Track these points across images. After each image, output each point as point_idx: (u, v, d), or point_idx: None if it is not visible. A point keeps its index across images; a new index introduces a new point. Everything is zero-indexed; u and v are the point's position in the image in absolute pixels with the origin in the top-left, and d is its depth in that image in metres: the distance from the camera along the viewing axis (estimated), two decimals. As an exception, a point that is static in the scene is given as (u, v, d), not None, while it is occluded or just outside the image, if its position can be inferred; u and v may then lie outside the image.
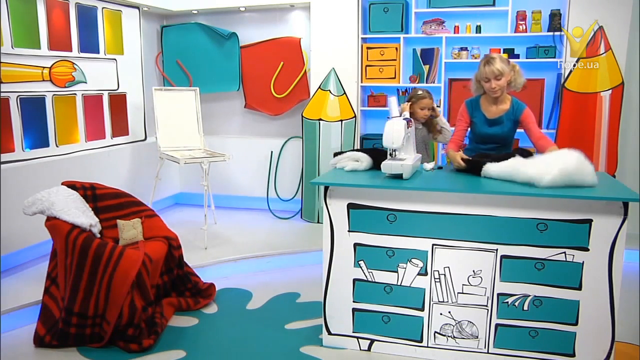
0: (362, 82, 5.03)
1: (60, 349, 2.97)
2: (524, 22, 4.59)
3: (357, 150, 3.34)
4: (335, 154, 3.26)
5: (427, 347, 2.87)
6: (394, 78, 4.95)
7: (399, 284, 2.84)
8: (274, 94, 5.53)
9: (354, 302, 2.92)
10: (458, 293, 2.77)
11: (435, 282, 2.79)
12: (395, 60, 4.90)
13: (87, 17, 4.65)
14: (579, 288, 2.60)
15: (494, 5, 4.61)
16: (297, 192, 5.51)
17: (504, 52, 4.62)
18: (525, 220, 2.61)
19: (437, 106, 4.02)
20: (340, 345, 2.99)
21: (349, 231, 2.86)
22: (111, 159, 4.90)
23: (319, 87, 5.07)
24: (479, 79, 3.20)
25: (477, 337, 2.79)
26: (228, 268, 4.14)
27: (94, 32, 4.74)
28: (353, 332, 2.96)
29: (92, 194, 3.45)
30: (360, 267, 2.88)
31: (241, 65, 5.61)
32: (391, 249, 2.81)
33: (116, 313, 2.92)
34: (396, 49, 4.88)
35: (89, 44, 4.69)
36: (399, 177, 2.84)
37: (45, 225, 3.08)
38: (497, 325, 2.75)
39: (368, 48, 4.95)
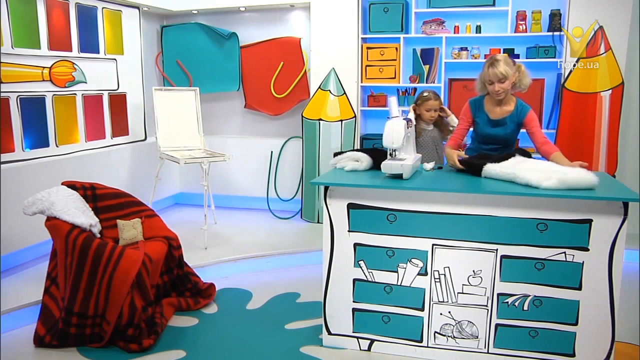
0: (362, 82, 5.03)
1: (60, 349, 2.97)
2: (524, 22, 4.59)
3: (357, 150, 3.34)
4: (335, 154, 3.26)
5: (427, 347, 2.87)
6: (394, 78, 4.95)
7: (399, 284, 2.84)
8: (274, 94, 5.53)
9: (354, 302, 2.92)
10: (458, 293, 2.77)
11: (435, 282, 2.79)
12: (395, 60, 4.90)
13: (87, 17, 4.65)
14: (579, 288, 2.60)
15: (494, 5, 4.61)
16: (297, 192, 5.51)
17: (503, 52, 4.62)
18: (525, 220, 2.61)
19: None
20: (340, 345, 2.99)
21: (349, 231, 2.86)
22: (111, 159, 4.90)
23: (319, 87, 5.07)
24: (483, 80, 3.18)
25: (477, 337, 2.79)
26: (228, 268, 4.14)
27: (94, 32, 4.74)
28: (353, 332, 2.96)
29: (92, 194, 3.45)
30: (360, 267, 2.88)
31: (241, 65, 5.61)
32: (391, 249, 2.81)
33: (116, 313, 2.92)
34: (396, 49, 4.88)
35: (89, 44, 4.69)
36: (399, 177, 2.84)
37: (45, 225, 3.08)
38: (497, 325, 2.75)
39: (368, 48, 4.95)
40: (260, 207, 5.65)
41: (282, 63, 5.45)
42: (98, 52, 4.80)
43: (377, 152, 3.14)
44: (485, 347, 2.79)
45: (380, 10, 4.84)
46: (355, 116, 5.01)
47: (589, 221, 2.53)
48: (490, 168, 2.85)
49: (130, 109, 5.23)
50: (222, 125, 5.88)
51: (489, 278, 2.72)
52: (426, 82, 4.89)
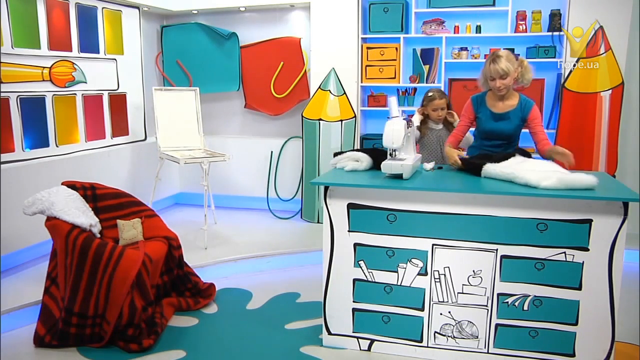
0: (362, 82, 5.03)
1: (60, 349, 2.97)
2: (524, 22, 4.59)
3: (357, 150, 3.33)
4: (335, 154, 3.26)
5: (427, 347, 2.87)
6: (394, 78, 4.95)
7: (399, 284, 2.84)
8: (274, 94, 5.53)
9: (354, 302, 2.92)
10: (458, 293, 2.77)
11: (435, 282, 2.79)
12: (395, 60, 4.90)
13: (87, 17, 4.65)
14: (579, 288, 2.60)
15: (494, 5, 4.61)
16: (297, 192, 5.51)
17: (504, 52, 4.62)
18: (525, 220, 2.61)
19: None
20: (340, 345, 2.99)
21: (349, 231, 2.86)
22: (111, 159, 4.90)
23: (319, 87, 5.07)
24: (485, 75, 3.19)
25: (477, 337, 2.79)
26: (228, 268, 4.14)
27: (94, 32, 4.74)
28: (353, 332, 2.96)
29: (92, 194, 3.45)
30: (360, 267, 2.88)
31: (241, 65, 5.61)
32: (391, 249, 2.81)
33: (116, 313, 2.92)
34: (396, 49, 4.88)
35: (89, 44, 4.69)
36: (399, 177, 2.84)
37: (45, 225, 3.08)
38: (497, 325, 2.75)
39: (368, 48, 4.95)
40: (260, 207, 5.65)
41: (282, 63, 5.45)
42: (98, 52, 4.80)
43: (377, 152, 3.14)
44: (485, 347, 2.79)
45: (380, 10, 4.84)
46: (355, 116, 5.01)
47: (589, 221, 2.53)
48: (490, 168, 2.85)
49: (130, 109, 5.23)
50: (222, 125, 5.88)
51: (489, 278, 2.72)
52: (426, 82, 4.89)
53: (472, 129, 3.42)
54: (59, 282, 3.06)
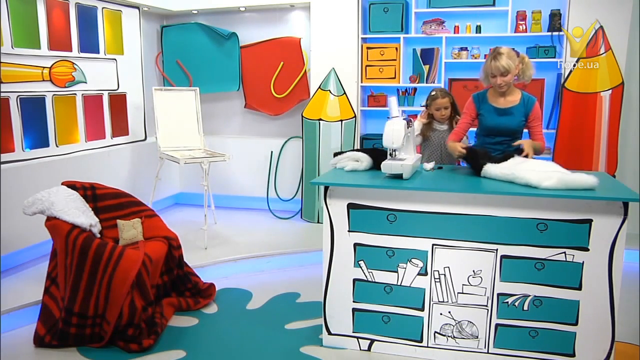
0: (362, 82, 5.03)
1: (60, 349, 2.97)
2: (524, 22, 4.59)
3: (357, 150, 3.33)
4: (335, 154, 3.26)
5: (427, 347, 2.87)
6: (394, 78, 4.95)
7: (399, 284, 2.84)
8: (274, 94, 5.53)
9: (354, 302, 2.92)
10: (458, 293, 2.77)
11: (435, 282, 2.79)
12: (395, 60, 4.90)
13: (87, 17, 4.65)
14: (579, 288, 2.60)
15: (494, 5, 4.61)
16: (297, 192, 5.51)
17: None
18: (525, 220, 2.61)
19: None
20: (340, 345, 2.99)
21: (349, 231, 2.86)
22: (111, 159, 4.90)
23: (319, 87, 5.07)
24: (486, 72, 3.20)
25: (477, 337, 2.79)
26: (228, 268, 4.14)
27: (94, 32, 4.74)
28: (353, 332, 2.96)
29: (92, 194, 3.45)
30: (360, 267, 2.88)
31: (241, 65, 5.61)
32: (391, 249, 2.81)
33: (116, 313, 2.92)
34: (396, 49, 4.88)
35: (89, 44, 4.69)
36: (399, 177, 2.84)
37: (45, 225, 3.08)
38: (497, 325, 2.75)
39: (368, 48, 4.95)
40: (260, 207, 5.65)
41: (282, 63, 5.45)
42: (98, 52, 4.80)
43: (377, 152, 3.14)
44: (485, 347, 2.79)
45: (380, 10, 4.84)
46: (355, 116, 5.01)
47: (589, 221, 2.53)
48: (490, 169, 2.85)
49: (130, 109, 5.23)
50: (222, 125, 5.88)
51: (489, 278, 2.72)
52: (426, 82, 4.89)
53: (473, 129, 3.42)
54: (59, 282, 3.06)
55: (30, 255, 4.12)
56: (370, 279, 2.88)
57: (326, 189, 2.86)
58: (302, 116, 5.18)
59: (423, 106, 3.87)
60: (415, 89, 4.99)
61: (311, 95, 5.14)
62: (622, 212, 2.49)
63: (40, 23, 4.17)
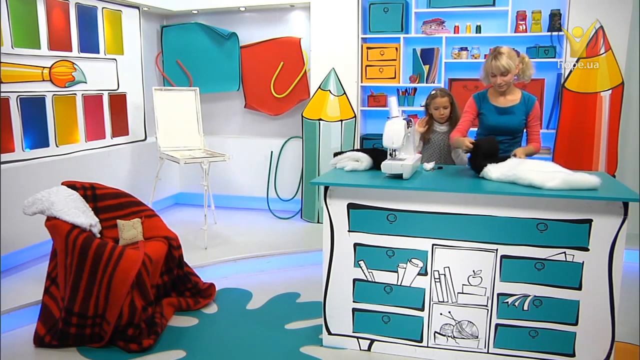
0: (362, 82, 5.03)
1: (60, 349, 2.97)
2: (524, 22, 4.59)
3: (357, 150, 3.34)
4: (335, 154, 3.26)
5: (427, 347, 2.87)
6: (394, 78, 4.95)
7: (399, 284, 2.84)
8: (274, 94, 5.53)
9: (354, 302, 2.92)
10: (458, 293, 2.77)
11: (435, 282, 2.79)
12: (395, 60, 4.90)
13: (87, 17, 4.65)
14: (579, 288, 2.60)
15: (494, 5, 4.61)
16: (297, 192, 5.51)
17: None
18: (525, 220, 2.61)
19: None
20: (340, 345, 2.99)
21: (349, 231, 2.86)
22: (111, 159, 4.90)
23: (319, 87, 5.07)
24: (486, 71, 3.21)
25: (477, 337, 2.79)
26: (228, 268, 4.14)
27: (94, 32, 4.74)
28: (353, 332, 2.96)
29: (92, 194, 3.45)
30: (360, 267, 2.88)
31: (241, 65, 5.61)
32: (391, 249, 2.81)
33: (116, 313, 2.92)
34: (396, 49, 4.88)
35: (89, 44, 4.69)
36: (399, 177, 2.84)
37: (45, 225, 3.08)
38: (497, 325, 2.75)
39: (368, 48, 4.95)
40: (260, 207, 5.65)
41: (282, 63, 5.45)
42: (98, 52, 4.80)
43: (377, 152, 3.14)
44: (485, 347, 2.79)
45: (380, 10, 4.84)
46: (355, 116, 5.01)
47: (589, 221, 2.53)
48: (491, 171, 2.81)
49: (130, 109, 5.23)
50: (222, 125, 5.88)
51: (489, 278, 2.72)
52: (426, 82, 4.89)
53: (473, 128, 3.42)
54: (59, 282, 3.06)
55: (30, 255, 4.12)
56: (370, 279, 2.88)
57: (326, 189, 2.86)
58: (302, 116, 5.18)
59: (423, 106, 3.86)
60: (415, 89, 4.99)
61: (311, 95, 5.14)
62: (622, 212, 2.49)
63: (40, 23, 4.17)
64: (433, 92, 3.68)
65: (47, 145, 4.28)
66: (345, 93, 5.01)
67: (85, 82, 4.66)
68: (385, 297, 2.87)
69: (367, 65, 4.98)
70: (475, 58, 4.76)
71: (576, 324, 2.64)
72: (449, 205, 2.70)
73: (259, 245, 4.47)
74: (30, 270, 3.94)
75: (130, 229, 3.44)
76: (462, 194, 2.68)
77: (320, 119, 5.07)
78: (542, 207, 2.58)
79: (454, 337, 2.82)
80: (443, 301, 2.80)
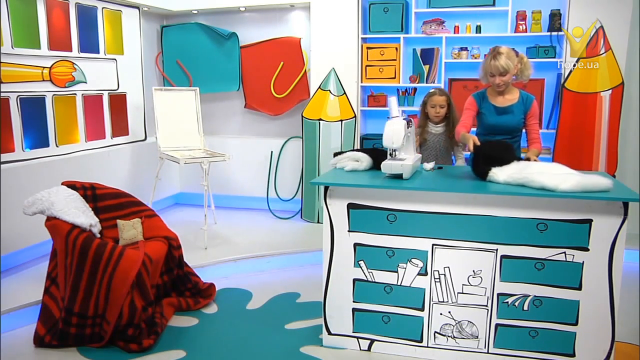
0: (362, 82, 5.03)
1: (60, 349, 2.97)
2: (524, 22, 4.59)
3: (357, 150, 3.34)
4: (335, 154, 3.26)
5: (427, 347, 2.87)
6: (394, 78, 4.95)
7: (399, 284, 2.84)
8: (274, 94, 5.53)
9: (354, 302, 2.92)
10: (458, 293, 2.77)
11: (435, 282, 2.79)
12: (395, 60, 4.90)
13: (87, 17, 4.65)
14: (579, 288, 2.60)
15: (494, 5, 4.61)
16: (297, 192, 5.51)
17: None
18: (525, 220, 2.61)
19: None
20: (340, 345, 2.99)
21: (349, 231, 2.86)
22: (111, 159, 4.90)
23: (319, 87, 5.07)
24: (485, 71, 3.21)
25: (477, 337, 2.79)
26: (228, 268, 4.14)
27: (94, 32, 4.74)
28: (353, 332, 2.96)
29: (92, 194, 3.45)
30: (360, 267, 2.88)
31: (241, 65, 5.61)
32: (391, 249, 2.81)
33: (116, 313, 2.92)
34: (396, 49, 4.88)
35: (89, 44, 4.69)
36: (399, 177, 2.84)
37: (45, 225, 3.08)
38: (497, 325, 2.75)
39: (368, 48, 4.95)
40: (260, 207, 5.65)
41: (282, 63, 5.45)
42: (98, 52, 4.80)
43: (377, 152, 3.14)
44: (485, 347, 2.79)
45: (380, 10, 4.84)
46: (355, 116, 5.01)
47: (589, 221, 2.53)
48: (497, 174, 2.74)
49: (130, 109, 5.23)
50: (222, 125, 5.88)
51: (489, 278, 2.72)
52: (426, 82, 4.89)
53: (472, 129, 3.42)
54: (59, 282, 3.06)
55: (30, 255, 4.12)
56: (370, 279, 2.88)
57: (326, 189, 2.86)
58: (302, 116, 5.18)
59: (420, 106, 3.84)
60: (415, 89, 4.99)
61: (311, 95, 5.14)
62: (622, 212, 2.49)
63: (40, 23, 4.17)
64: (432, 90, 3.69)
65: (47, 145, 4.28)
66: (345, 93, 5.01)
67: (85, 82, 4.66)
68: (385, 297, 2.87)
69: (367, 65, 4.98)
70: (475, 58, 4.76)
71: (576, 324, 2.64)
72: (449, 205, 2.70)
73: (259, 245, 4.47)
74: (30, 270, 3.94)
75: (130, 229, 3.44)
76: (462, 194, 2.68)
77: (320, 119, 5.07)
78: (542, 207, 2.58)
79: (454, 337, 2.82)
80: (443, 301, 2.80)
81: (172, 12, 5.53)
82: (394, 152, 2.90)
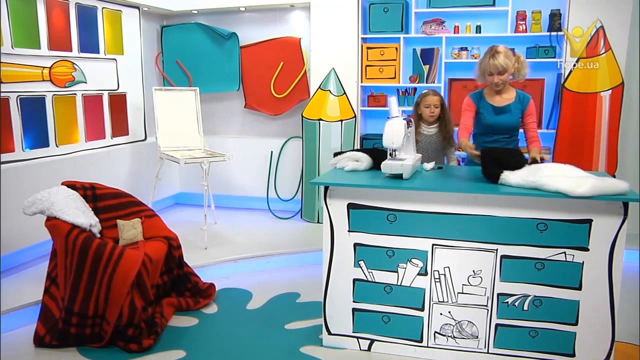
0: (362, 82, 5.03)
1: (60, 349, 2.97)
2: (524, 22, 4.59)
3: (357, 150, 3.34)
4: (335, 154, 3.26)
5: (427, 347, 2.87)
6: (394, 78, 4.95)
7: (399, 284, 2.84)
8: (274, 94, 5.53)
9: (354, 302, 2.92)
10: (458, 293, 2.77)
11: (435, 282, 2.79)
12: (395, 60, 4.90)
13: (87, 17, 4.65)
14: (579, 288, 2.60)
15: (494, 5, 4.61)
16: (297, 192, 5.51)
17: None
18: (525, 220, 2.61)
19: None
20: (340, 345, 2.99)
21: (349, 231, 2.86)
22: (111, 159, 4.90)
23: (319, 87, 5.07)
24: (482, 70, 3.21)
25: (477, 337, 2.79)
26: (228, 268, 4.14)
27: (94, 32, 4.74)
28: (353, 332, 2.96)
29: (92, 194, 3.45)
30: (360, 267, 2.87)
31: (241, 65, 5.61)
32: (391, 249, 2.81)
33: (116, 313, 2.92)
34: (396, 49, 4.88)
35: (89, 44, 4.69)
36: (399, 177, 2.84)
37: (45, 225, 3.08)
38: (497, 325, 2.75)
39: (368, 48, 4.95)
40: (260, 207, 5.65)
41: (282, 63, 5.45)
42: (98, 52, 4.80)
43: (377, 152, 3.15)
44: (485, 347, 2.79)
45: (380, 10, 4.84)
46: (355, 116, 5.01)
47: (589, 221, 2.53)
48: (509, 177, 2.68)
49: (130, 109, 5.23)
50: (222, 125, 5.88)
51: (489, 278, 2.72)
52: (426, 82, 4.89)
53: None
54: (59, 282, 3.06)
55: (30, 255, 4.12)
56: (370, 279, 2.88)
57: (326, 189, 2.86)
58: (302, 116, 5.18)
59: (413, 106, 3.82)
60: (415, 89, 4.99)
61: (311, 95, 5.14)
62: (622, 212, 2.49)
63: (40, 23, 4.17)
64: (425, 91, 3.70)
65: (47, 145, 4.28)
66: (345, 93, 5.01)
67: (85, 82, 4.66)
68: (385, 297, 2.87)
69: (367, 65, 4.98)
70: (475, 58, 4.75)
71: (576, 324, 2.64)
72: (449, 205, 2.70)
73: (259, 245, 4.47)
74: (30, 270, 3.94)
75: (130, 229, 3.44)
76: (462, 194, 2.68)
77: (320, 119, 5.07)
78: (542, 207, 2.58)
79: (454, 337, 2.82)
80: (443, 301, 2.80)
81: (172, 12, 5.53)
82: (394, 152, 2.90)
